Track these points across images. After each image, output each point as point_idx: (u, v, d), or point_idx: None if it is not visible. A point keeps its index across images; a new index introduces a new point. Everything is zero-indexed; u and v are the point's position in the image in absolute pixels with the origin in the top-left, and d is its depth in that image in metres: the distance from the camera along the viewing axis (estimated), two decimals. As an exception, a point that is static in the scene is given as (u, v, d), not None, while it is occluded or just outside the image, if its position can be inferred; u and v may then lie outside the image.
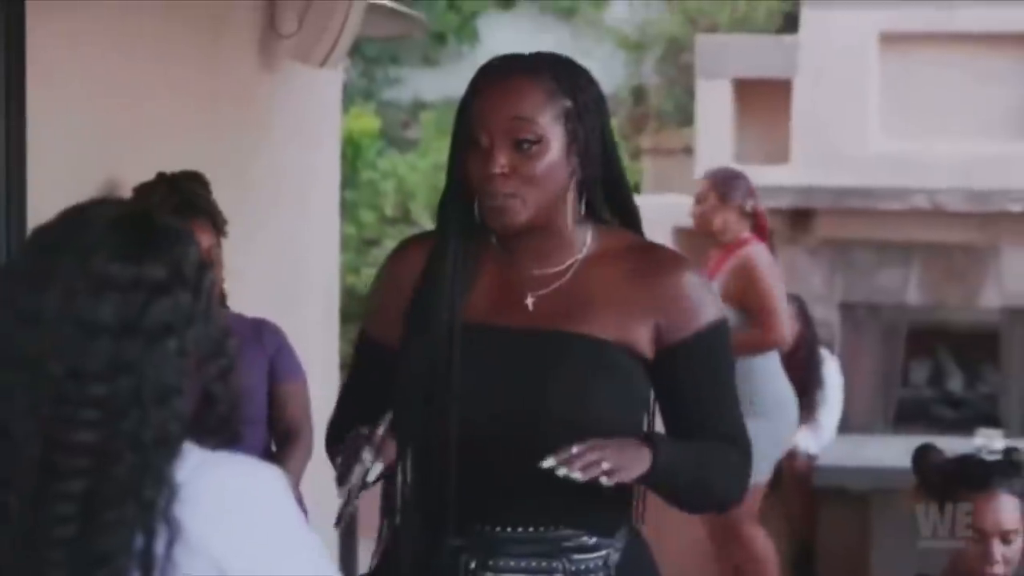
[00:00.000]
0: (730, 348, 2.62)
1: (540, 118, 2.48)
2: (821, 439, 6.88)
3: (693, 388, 2.55)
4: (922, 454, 3.30)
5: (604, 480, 2.35)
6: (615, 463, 2.36)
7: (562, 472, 2.33)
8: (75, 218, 1.81)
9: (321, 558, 1.81)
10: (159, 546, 1.70)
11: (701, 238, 6.26)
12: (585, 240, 2.58)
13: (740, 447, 2.60)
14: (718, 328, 2.56)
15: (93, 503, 1.71)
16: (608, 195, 2.60)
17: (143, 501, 1.71)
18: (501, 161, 2.47)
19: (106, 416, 1.72)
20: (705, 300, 2.56)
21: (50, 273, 1.75)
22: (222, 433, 1.83)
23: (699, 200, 6.04)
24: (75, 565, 1.71)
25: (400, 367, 2.53)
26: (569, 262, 2.56)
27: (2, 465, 1.73)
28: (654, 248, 2.62)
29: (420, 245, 2.65)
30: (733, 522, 5.92)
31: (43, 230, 1.82)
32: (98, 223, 1.78)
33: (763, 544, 6.09)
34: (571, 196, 2.54)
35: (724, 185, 6.03)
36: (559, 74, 2.52)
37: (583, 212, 2.57)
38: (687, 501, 2.62)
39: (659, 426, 2.64)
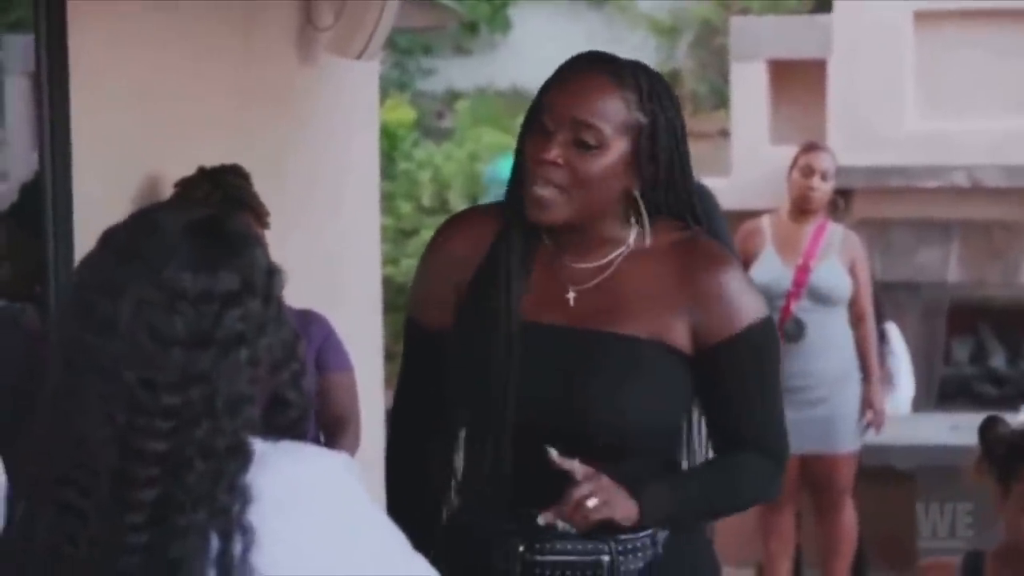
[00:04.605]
0: (774, 347, 2.59)
1: (606, 126, 2.45)
2: (901, 399, 6.81)
3: (733, 390, 2.53)
4: (989, 426, 3.27)
5: (592, 515, 2.39)
6: (604, 498, 2.40)
7: (561, 527, 2.40)
8: (146, 224, 1.80)
9: (395, 538, 1.81)
10: (236, 550, 1.70)
11: (738, 222, 6.26)
12: (630, 235, 2.55)
13: (774, 455, 2.60)
14: (761, 328, 2.52)
15: (165, 509, 1.71)
16: (672, 200, 2.56)
17: (217, 507, 1.70)
18: (555, 151, 2.45)
19: (179, 426, 1.71)
20: (747, 300, 2.53)
21: (123, 281, 1.74)
22: (291, 434, 1.82)
23: (825, 176, 6.04)
24: (149, 570, 1.71)
25: (455, 359, 2.54)
26: (611, 256, 2.55)
27: (79, 472, 1.73)
28: (700, 244, 2.56)
29: (464, 227, 2.64)
30: (839, 494, 6.03)
31: (115, 234, 1.81)
32: (169, 231, 1.77)
33: (853, 518, 6.16)
34: (620, 206, 2.52)
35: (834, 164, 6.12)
36: (642, 88, 2.48)
37: (632, 220, 2.54)
38: (702, 521, 2.70)
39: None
